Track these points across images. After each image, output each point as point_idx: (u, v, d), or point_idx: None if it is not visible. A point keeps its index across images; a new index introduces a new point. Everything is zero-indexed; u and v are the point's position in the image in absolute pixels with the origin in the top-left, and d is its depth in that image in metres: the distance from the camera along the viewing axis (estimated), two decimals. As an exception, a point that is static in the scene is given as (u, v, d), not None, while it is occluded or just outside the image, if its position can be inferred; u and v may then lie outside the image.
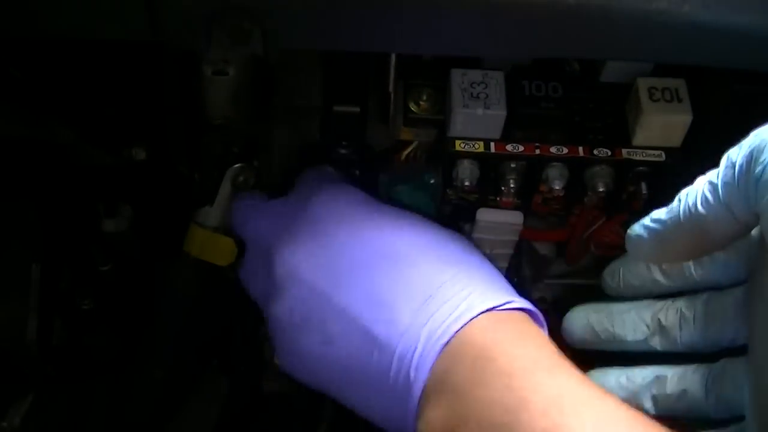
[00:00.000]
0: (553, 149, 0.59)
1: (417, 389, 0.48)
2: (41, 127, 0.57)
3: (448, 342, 0.48)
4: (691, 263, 0.54)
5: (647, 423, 0.44)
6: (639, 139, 0.59)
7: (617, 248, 0.64)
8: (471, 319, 0.48)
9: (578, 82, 0.60)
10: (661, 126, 0.58)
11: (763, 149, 0.46)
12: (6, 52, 0.54)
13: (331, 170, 0.63)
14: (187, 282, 0.64)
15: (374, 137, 0.64)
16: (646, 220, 0.52)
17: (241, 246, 0.63)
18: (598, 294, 0.60)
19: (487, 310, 0.49)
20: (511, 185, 0.61)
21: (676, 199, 0.50)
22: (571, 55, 0.60)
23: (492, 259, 0.67)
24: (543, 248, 0.71)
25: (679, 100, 0.58)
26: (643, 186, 0.60)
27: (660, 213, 0.51)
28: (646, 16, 0.48)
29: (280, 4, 0.47)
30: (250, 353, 0.75)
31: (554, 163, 0.60)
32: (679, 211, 0.50)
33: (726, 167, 0.48)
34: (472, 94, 0.58)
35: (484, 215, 0.63)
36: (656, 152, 0.59)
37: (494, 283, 0.53)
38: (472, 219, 0.64)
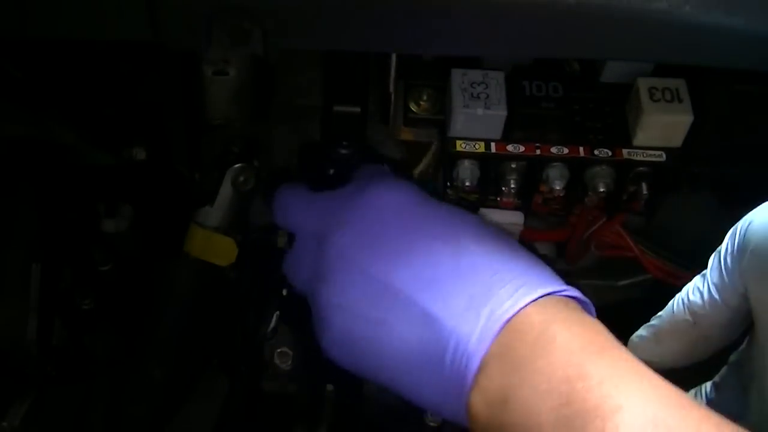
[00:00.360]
0: (553, 149, 0.59)
1: (474, 363, 0.48)
2: (42, 127, 0.57)
3: (509, 320, 0.48)
4: None
5: (693, 404, 0.44)
6: (639, 139, 0.59)
7: (617, 248, 0.65)
8: (531, 302, 0.49)
9: (579, 83, 0.60)
10: (661, 126, 0.58)
11: (743, 223, 0.47)
12: (6, 52, 0.54)
13: (387, 168, 0.63)
14: (188, 282, 0.64)
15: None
16: (643, 329, 0.54)
17: (241, 246, 0.63)
18: (599, 294, 0.60)
19: (545, 295, 0.50)
20: (512, 185, 0.61)
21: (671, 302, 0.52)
22: (572, 55, 0.60)
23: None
24: (543, 248, 0.71)
25: (680, 101, 0.58)
26: (644, 186, 0.60)
27: (656, 317, 0.53)
28: (646, 16, 0.48)
29: (280, 4, 0.47)
30: (250, 353, 0.75)
31: (554, 164, 0.60)
32: (672, 305, 0.52)
33: (714, 256, 0.50)
34: (472, 94, 0.58)
35: (485, 215, 0.63)
36: (657, 152, 0.59)
37: (547, 273, 0.53)
38: (472, 219, 0.64)
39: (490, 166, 0.60)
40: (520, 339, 0.48)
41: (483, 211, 0.63)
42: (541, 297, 0.49)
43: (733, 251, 0.48)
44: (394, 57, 0.59)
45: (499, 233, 0.56)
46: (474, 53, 0.59)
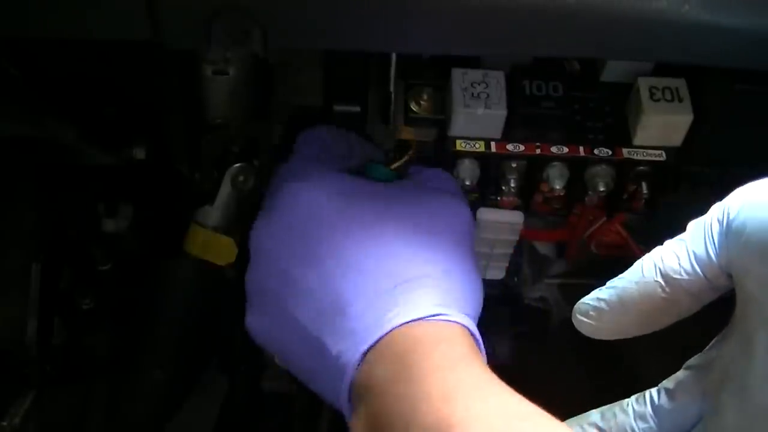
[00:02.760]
0: (553, 149, 0.59)
1: (346, 384, 0.50)
2: (41, 127, 0.57)
3: (373, 346, 0.49)
4: (631, 417, 0.52)
5: (537, 415, 0.45)
6: (639, 138, 0.59)
7: (617, 248, 0.65)
8: (391, 330, 0.49)
9: (579, 82, 0.60)
10: (661, 125, 0.58)
11: (734, 201, 0.46)
12: (5, 51, 0.54)
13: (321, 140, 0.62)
14: (187, 282, 0.64)
15: (375, 136, 0.64)
16: (596, 292, 0.52)
17: (241, 246, 0.63)
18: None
19: (416, 320, 0.50)
20: (512, 185, 0.61)
21: (636, 263, 0.50)
22: (572, 55, 0.60)
23: (492, 258, 0.67)
24: (543, 248, 0.71)
25: (680, 100, 0.58)
26: (644, 185, 0.60)
27: (616, 279, 0.51)
28: (646, 15, 0.48)
29: (279, 3, 0.47)
30: (249, 353, 0.75)
31: (555, 163, 0.60)
32: (641, 269, 0.50)
33: (696, 225, 0.49)
34: (472, 93, 0.58)
35: (485, 215, 0.63)
36: (657, 152, 0.59)
37: (447, 289, 0.53)
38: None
39: (491, 165, 0.60)
40: (382, 366, 0.48)
41: (483, 210, 0.63)
42: (414, 321, 0.49)
43: (721, 230, 0.47)
44: (394, 56, 0.59)
45: (432, 229, 0.56)
46: (474, 53, 0.59)
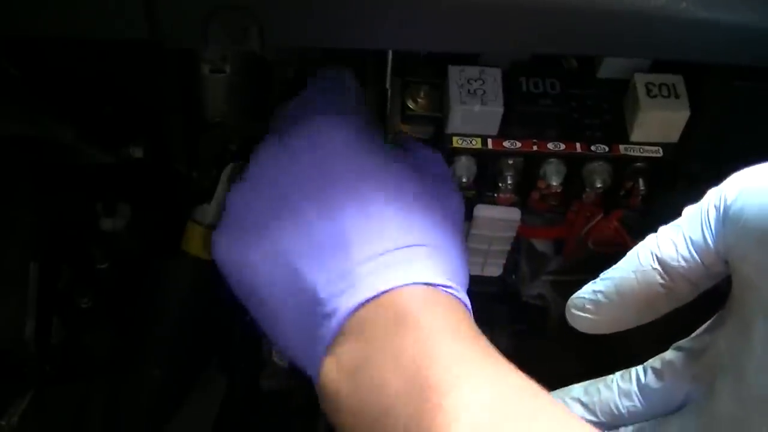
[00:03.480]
0: (550, 145, 0.59)
1: (333, 329, 0.49)
2: (39, 126, 0.57)
3: (377, 296, 0.48)
4: (616, 394, 0.52)
5: (538, 392, 0.45)
6: (637, 135, 0.59)
7: (615, 244, 0.65)
8: (401, 286, 0.48)
9: (576, 79, 0.61)
10: (658, 122, 0.58)
11: (731, 186, 0.46)
12: (4, 50, 0.54)
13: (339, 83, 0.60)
14: (186, 280, 0.64)
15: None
16: (591, 285, 0.51)
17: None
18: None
19: (422, 284, 0.49)
20: (509, 182, 0.61)
21: (630, 252, 0.50)
22: (569, 52, 0.60)
23: (489, 255, 0.67)
24: (540, 245, 0.71)
25: (677, 96, 0.58)
26: (641, 182, 0.60)
27: (611, 270, 0.51)
28: (643, 12, 0.48)
29: (277, 1, 0.47)
30: (248, 351, 0.75)
31: (552, 160, 0.60)
32: (637, 257, 0.49)
33: (693, 210, 0.48)
34: (469, 90, 0.58)
35: (482, 212, 0.64)
36: (654, 148, 0.59)
37: (444, 263, 0.52)
38: (469, 215, 0.64)
39: (487, 162, 0.60)
40: (380, 316, 0.48)
41: (480, 207, 0.64)
42: (419, 284, 0.49)
43: (718, 216, 0.47)
44: (390, 54, 0.59)
45: (429, 203, 0.55)
46: (471, 50, 0.59)
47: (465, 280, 0.54)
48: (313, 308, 0.50)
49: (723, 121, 0.58)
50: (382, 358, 0.46)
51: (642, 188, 0.61)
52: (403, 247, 0.51)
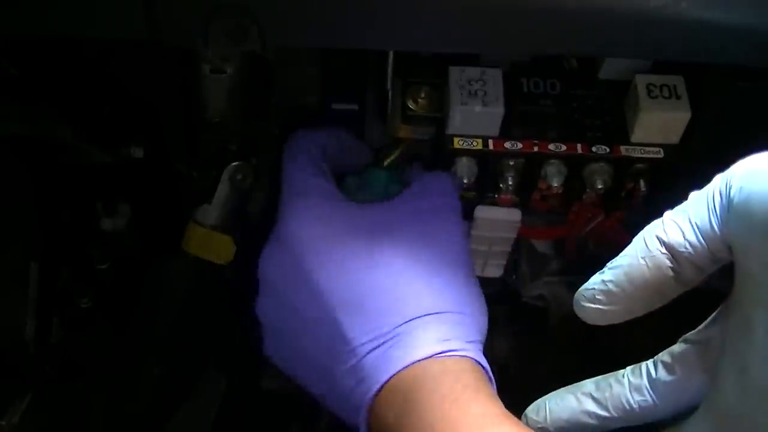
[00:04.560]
0: (551, 146, 0.59)
1: (361, 420, 0.52)
2: (39, 126, 0.57)
3: (381, 388, 0.51)
4: (627, 389, 0.52)
5: None
6: (637, 136, 0.59)
7: (616, 245, 0.64)
8: (402, 369, 0.51)
9: (577, 79, 0.60)
10: (659, 123, 0.58)
11: (737, 173, 0.46)
12: (3, 50, 0.54)
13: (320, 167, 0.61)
14: (186, 280, 0.64)
15: (373, 135, 0.64)
16: (598, 276, 0.51)
17: (239, 244, 0.63)
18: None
19: (424, 359, 0.51)
20: (510, 182, 0.61)
21: (636, 240, 0.50)
22: (570, 52, 0.60)
23: (490, 256, 0.67)
24: (541, 246, 0.71)
25: (678, 97, 0.58)
26: (642, 183, 0.60)
27: (618, 259, 0.50)
28: (644, 12, 0.48)
29: (277, 1, 0.47)
30: (248, 351, 0.75)
31: (552, 161, 0.60)
32: (644, 243, 0.49)
33: (699, 196, 0.48)
34: (470, 91, 0.58)
35: (483, 213, 0.63)
36: (655, 149, 0.59)
37: (449, 323, 0.54)
38: (470, 216, 0.64)
39: (488, 163, 0.60)
40: (392, 404, 0.51)
41: (481, 208, 0.63)
42: (422, 360, 0.51)
43: (723, 203, 0.46)
44: (391, 54, 0.59)
45: (439, 259, 0.56)
46: (472, 50, 0.59)
47: (478, 321, 0.56)
48: (348, 404, 0.53)
49: (724, 121, 0.58)
50: None
51: (643, 189, 0.60)
52: (405, 322, 0.53)
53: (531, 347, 0.78)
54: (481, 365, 0.53)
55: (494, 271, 0.69)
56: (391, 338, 0.52)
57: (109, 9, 0.47)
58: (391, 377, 0.51)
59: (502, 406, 0.49)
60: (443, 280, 0.56)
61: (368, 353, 0.52)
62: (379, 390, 0.51)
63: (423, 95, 0.61)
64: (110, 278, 0.66)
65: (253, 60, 0.58)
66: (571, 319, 0.57)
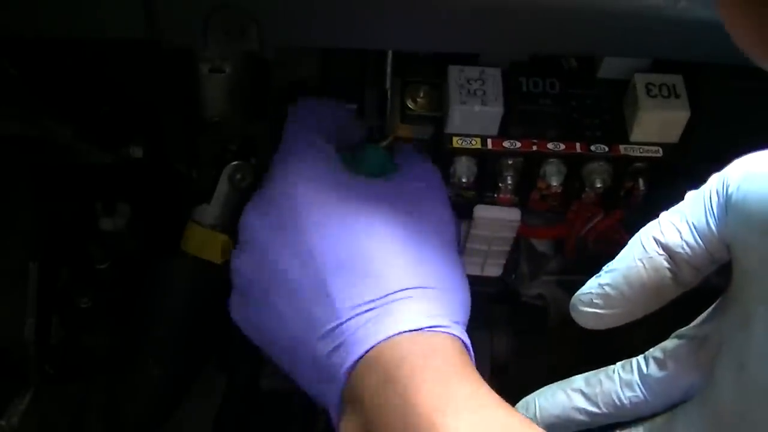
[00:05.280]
0: (550, 146, 0.59)
1: (336, 391, 0.50)
2: (39, 126, 0.57)
3: (363, 355, 0.49)
4: (617, 384, 0.52)
5: (523, 426, 0.45)
6: (636, 135, 0.59)
7: (615, 244, 0.65)
8: (386, 339, 0.49)
9: (576, 79, 0.60)
10: (658, 122, 0.58)
11: (734, 173, 0.46)
12: (3, 50, 0.54)
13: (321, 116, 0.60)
14: (185, 280, 0.64)
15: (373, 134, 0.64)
16: (595, 279, 0.51)
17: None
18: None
19: (408, 332, 0.50)
20: (509, 182, 0.61)
21: (631, 242, 0.50)
22: (569, 52, 0.60)
23: (490, 255, 0.67)
24: (541, 245, 0.71)
25: (677, 96, 0.58)
26: (641, 182, 0.60)
27: (614, 262, 0.50)
28: (643, 11, 0.48)
29: (276, 1, 0.47)
30: (248, 351, 0.75)
31: (552, 160, 0.60)
32: (641, 244, 0.49)
33: (695, 196, 0.48)
34: (469, 90, 0.58)
35: (482, 212, 0.64)
36: (654, 148, 0.59)
37: (435, 300, 0.52)
38: (469, 216, 0.64)
39: (487, 162, 0.60)
40: (374, 375, 0.49)
41: (480, 207, 0.63)
42: (406, 333, 0.50)
43: (720, 203, 0.46)
44: (390, 54, 0.59)
45: (422, 234, 0.55)
46: (471, 50, 0.59)
47: (463, 304, 0.55)
48: (319, 374, 0.51)
49: (723, 120, 0.58)
50: (384, 428, 0.47)
51: (642, 188, 0.60)
52: (393, 292, 0.51)
53: (530, 346, 0.78)
54: (466, 346, 0.51)
55: (493, 270, 0.69)
56: (378, 306, 0.51)
57: (108, 9, 0.47)
58: (372, 347, 0.49)
59: (490, 388, 0.48)
60: (434, 257, 0.55)
61: (351, 318, 0.50)
62: (358, 360, 0.49)
63: (422, 94, 0.61)
64: (110, 278, 0.66)
65: (252, 59, 0.58)
66: (571, 319, 0.57)
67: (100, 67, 0.58)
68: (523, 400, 0.55)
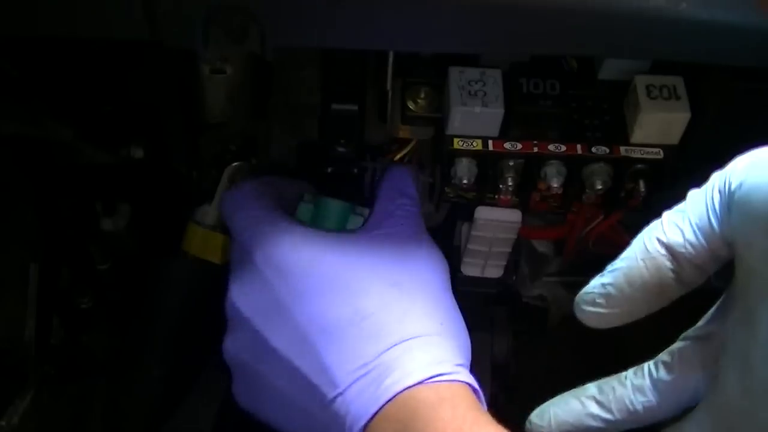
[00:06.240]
0: (551, 147, 0.59)
1: None
2: (39, 126, 0.57)
3: (371, 420, 0.48)
4: (630, 390, 0.52)
5: None
6: (637, 136, 0.59)
7: (615, 246, 0.65)
8: (391, 398, 0.48)
9: (576, 80, 0.60)
10: (659, 123, 0.58)
11: (736, 170, 0.46)
12: (3, 50, 0.54)
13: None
14: (186, 280, 0.64)
15: (373, 135, 0.64)
16: (598, 279, 0.51)
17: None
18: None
19: (406, 389, 0.48)
20: (509, 183, 0.61)
21: (635, 242, 0.49)
22: (569, 53, 0.60)
23: (490, 257, 0.67)
24: (541, 246, 0.71)
25: (677, 98, 0.58)
26: (642, 184, 0.60)
27: (617, 261, 0.50)
28: (643, 13, 0.48)
29: (277, 2, 0.47)
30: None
31: (552, 161, 0.60)
32: (643, 245, 0.49)
33: (696, 195, 0.48)
34: (470, 91, 0.58)
35: (483, 213, 0.63)
36: (654, 150, 0.59)
37: (441, 347, 0.51)
38: (470, 217, 0.64)
39: (488, 163, 0.60)
40: (391, 424, 0.47)
41: (481, 209, 0.63)
42: (409, 387, 0.48)
43: (722, 200, 0.46)
44: (391, 55, 0.59)
45: (413, 282, 0.54)
46: (471, 51, 0.59)
47: (463, 345, 0.54)
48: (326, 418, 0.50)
49: (723, 122, 0.58)
50: None
51: (642, 190, 0.60)
52: (389, 348, 0.50)
53: (531, 347, 0.78)
54: (473, 388, 0.50)
55: (494, 271, 0.69)
56: (376, 366, 0.49)
57: (109, 9, 0.47)
58: (380, 408, 0.48)
59: (502, 429, 0.47)
60: (424, 302, 0.54)
61: (352, 384, 0.49)
62: (367, 423, 0.48)
63: (423, 96, 0.61)
64: (110, 278, 0.66)
65: (253, 60, 0.58)
66: (571, 320, 0.57)
67: (101, 67, 0.58)
68: (538, 408, 0.55)
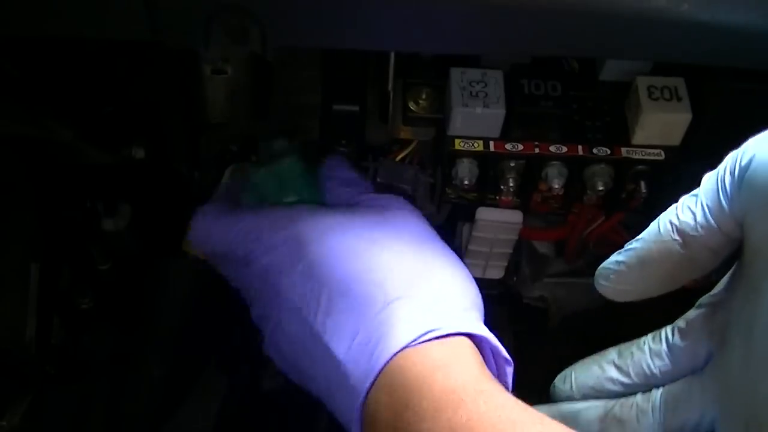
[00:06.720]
0: (552, 148, 0.59)
1: (357, 424, 0.49)
2: (40, 126, 0.57)
3: (372, 384, 0.48)
4: (647, 355, 0.53)
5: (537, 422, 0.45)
6: (638, 137, 0.59)
7: (616, 247, 0.65)
8: (387, 362, 0.48)
9: (577, 81, 0.60)
10: (660, 125, 0.58)
11: (746, 151, 0.46)
12: (4, 50, 0.54)
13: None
14: (186, 281, 0.64)
15: (374, 136, 0.64)
16: (615, 255, 0.51)
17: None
18: (597, 292, 0.60)
19: (408, 346, 0.48)
20: (511, 184, 0.61)
21: (653, 223, 0.50)
22: (571, 54, 0.60)
23: (491, 258, 0.67)
24: (542, 247, 0.71)
25: (679, 99, 0.58)
26: (643, 185, 0.60)
27: (634, 241, 0.51)
28: (645, 14, 0.48)
29: (279, 2, 0.47)
30: (248, 351, 0.75)
31: (553, 162, 0.60)
32: (658, 227, 0.49)
33: (709, 177, 0.48)
34: (471, 92, 0.58)
35: (484, 214, 0.63)
36: (655, 151, 0.59)
37: (434, 301, 0.52)
38: (471, 218, 0.64)
39: (489, 164, 0.60)
40: (390, 393, 0.48)
41: (482, 209, 0.63)
42: (418, 343, 0.48)
43: (733, 181, 0.46)
44: (392, 55, 0.59)
45: (417, 241, 0.55)
46: (473, 51, 0.59)
47: (464, 288, 0.54)
48: (344, 396, 0.50)
49: (724, 123, 0.58)
50: (412, 420, 0.46)
51: (643, 191, 0.60)
52: (382, 309, 0.50)
53: (532, 348, 0.78)
54: (472, 336, 0.50)
55: (495, 272, 0.69)
56: (371, 330, 0.50)
57: (110, 10, 0.47)
58: (377, 376, 0.48)
59: (510, 395, 0.47)
60: (413, 260, 0.54)
61: (348, 352, 0.50)
62: (369, 388, 0.48)
63: (424, 96, 0.61)
64: (111, 279, 0.66)
65: (254, 61, 0.58)
66: (572, 320, 0.57)
67: (102, 67, 0.58)
68: (561, 374, 0.57)
